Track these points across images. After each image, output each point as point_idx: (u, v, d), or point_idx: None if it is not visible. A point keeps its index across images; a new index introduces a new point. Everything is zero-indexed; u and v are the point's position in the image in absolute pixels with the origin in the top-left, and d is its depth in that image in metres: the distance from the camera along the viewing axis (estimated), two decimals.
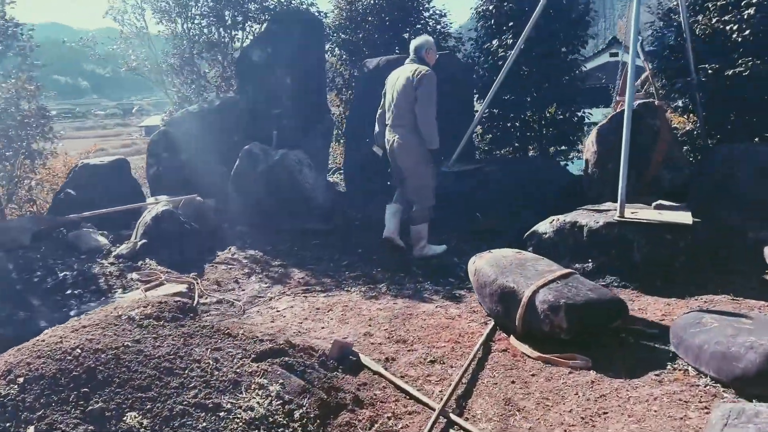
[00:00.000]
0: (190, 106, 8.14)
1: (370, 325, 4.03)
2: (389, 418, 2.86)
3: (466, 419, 2.86)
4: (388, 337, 3.82)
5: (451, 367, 3.39)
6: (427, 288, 4.86)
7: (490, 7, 7.80)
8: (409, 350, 3.62)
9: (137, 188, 7.31)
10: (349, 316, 4.24)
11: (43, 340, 2.69)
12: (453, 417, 2.83)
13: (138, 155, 15.84)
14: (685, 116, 7.37)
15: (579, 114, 7.88)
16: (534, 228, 5.17)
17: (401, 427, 2.80)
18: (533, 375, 3.27)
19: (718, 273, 4.64)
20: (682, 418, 2.68)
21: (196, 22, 8.86)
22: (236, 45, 9.18)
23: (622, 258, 4.64)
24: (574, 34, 7.58)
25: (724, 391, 2.90)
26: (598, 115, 7.73)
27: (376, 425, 2.78)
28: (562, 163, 8.15)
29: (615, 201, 4.83)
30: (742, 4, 5.99)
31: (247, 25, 8.95)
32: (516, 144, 8.23)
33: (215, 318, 4.30)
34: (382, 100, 5.69)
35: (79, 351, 2.60)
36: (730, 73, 6.02)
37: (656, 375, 3.13)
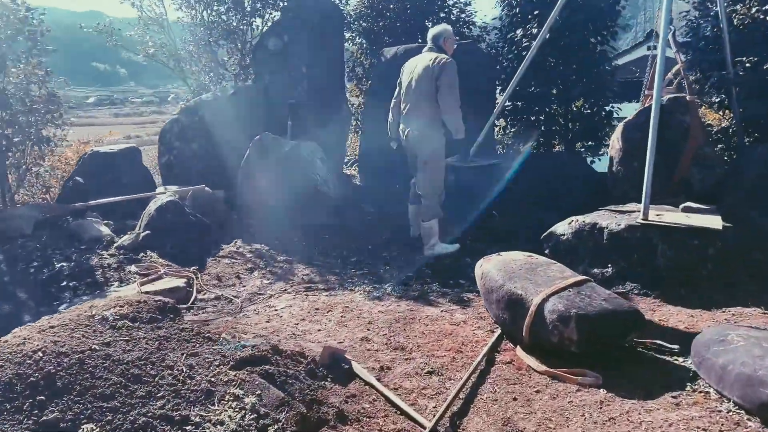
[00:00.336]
0: (205, 94, 7.98)
1: (368, 329, 3.80)
2: None
3: None
4: (386, 343, 3.58)
5: (450, 379, 3.14)
6: (434, 290, 4.61)
7: None
8: (406, 359, 3.39)
9: (149, 177, 7.18)
10: (349, 318, 4.01)
11: (6, 341, 2.52)
12: None
13: None
14: (721, 113, 6.95)
15: (607, 108, 7.50)
16: (552, 229, 4.88)
17: None
18: (537, 391, 3.00)
19: (749, 282, 4.30)
20: None
21: (215, 8, 8.67)
22: (255, 33, 8.98)
23: (645, 264, 4.33)
24: (604, 24, 7.20)
25: (748, 419, 2.59)
26: (630, 110, 7.32)
27: None
28: (589, 159, 7.79)
29: (640, 201, 4.51)
30: None
31: (266, 12, 8.74)
32: (540, 139, 7.88)
33: (210, 315, 4.14)
34: (397, 89, 5.46)
35: (41, 354, 2.42)
36: None
37: (673, 397, 2.84)
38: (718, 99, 6.64)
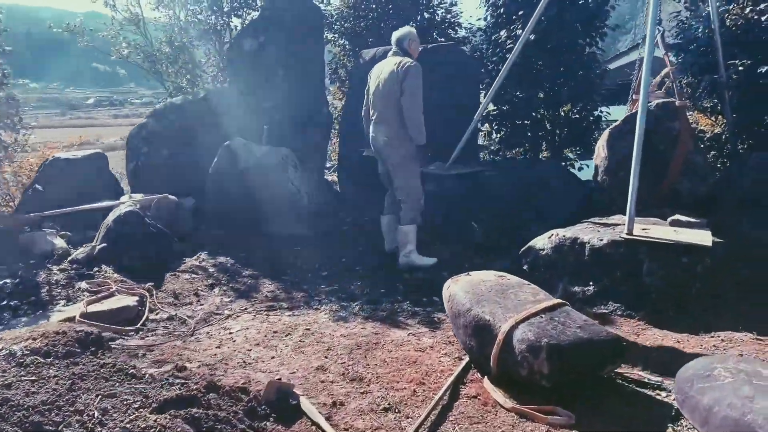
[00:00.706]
0: (176, 97, 7.65)
1: (326, 357, 3.49)
2: None
3: None
4: (343, 374, 3.27)
5: (407, 417, 2.83)
6: (405, 309, 4.30)
7: None
8: (363, 392, 3.07)
9: (115, 185, 6.85)
10: (307, 343, 3.69)
11: None
12: None
13: None
14: (713, 118, 6.65)
15: (595, 113, 7.19)
16: (530, 243, 4.58)
17: None
18: None
19: (741, 302, 4.01)
20: None
21: (190, 7, 8.35)
22: (233, 33, 8.66)
23: (629, 282, 4.02)
24: (593, 26, 6.89)
25: None
26: (619, 113, 7.02)
27: None
28: (577, 165, 7.48)
29: (625, 213, 4.21)
30: None
31: (243, 11, 8.41)
32: (526, 145, 7.57)
33: (159, 339, 3.82)
34: (366, 96, 5.20)
35: None
36: (764, 70, 5.31)
37: None
38: (711, 104, 6.35)
